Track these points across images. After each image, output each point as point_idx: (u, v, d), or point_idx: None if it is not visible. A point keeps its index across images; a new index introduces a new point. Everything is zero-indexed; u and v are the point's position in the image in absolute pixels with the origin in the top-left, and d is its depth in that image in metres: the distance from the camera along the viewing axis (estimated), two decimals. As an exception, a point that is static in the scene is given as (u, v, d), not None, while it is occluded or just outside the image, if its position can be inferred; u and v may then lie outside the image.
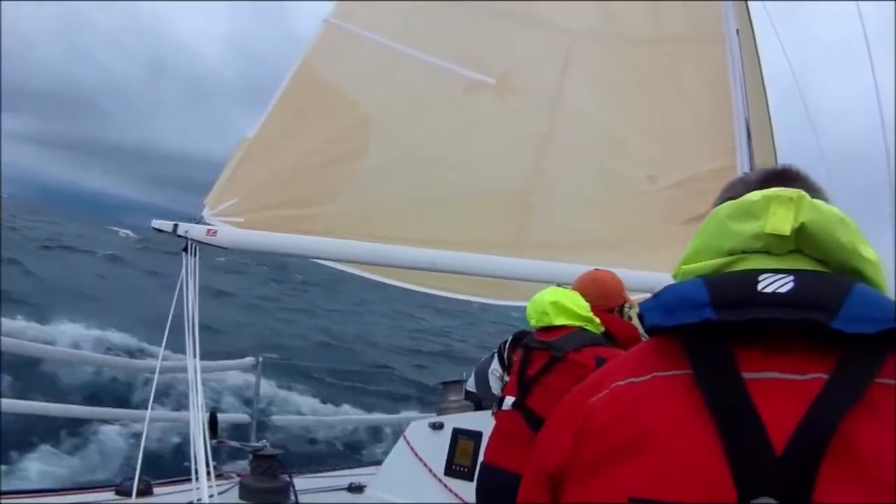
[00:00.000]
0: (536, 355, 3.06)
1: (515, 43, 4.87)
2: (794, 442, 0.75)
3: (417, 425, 4.42)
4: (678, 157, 4.46)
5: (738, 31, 4.67)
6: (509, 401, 3.07)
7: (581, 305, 3.12)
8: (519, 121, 4.69)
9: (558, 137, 4.59)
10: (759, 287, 0.86)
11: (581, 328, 3.05)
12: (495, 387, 3.86)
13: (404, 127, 4.76)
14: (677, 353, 0.88)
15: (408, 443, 4.32)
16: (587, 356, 2.89)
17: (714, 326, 0.85)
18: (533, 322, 3.17)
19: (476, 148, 4.66)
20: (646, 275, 3.89)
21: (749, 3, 5.30)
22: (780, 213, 0.91)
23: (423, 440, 4.26)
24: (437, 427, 4.26)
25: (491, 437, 3.17)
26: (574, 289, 3.28)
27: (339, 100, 4.77)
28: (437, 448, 4.15)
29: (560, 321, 3.06)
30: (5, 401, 5.39)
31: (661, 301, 0.93)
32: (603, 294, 3.30)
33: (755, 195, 0.95)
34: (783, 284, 0.86)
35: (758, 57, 5.30)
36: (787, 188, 0.94)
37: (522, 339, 3.25)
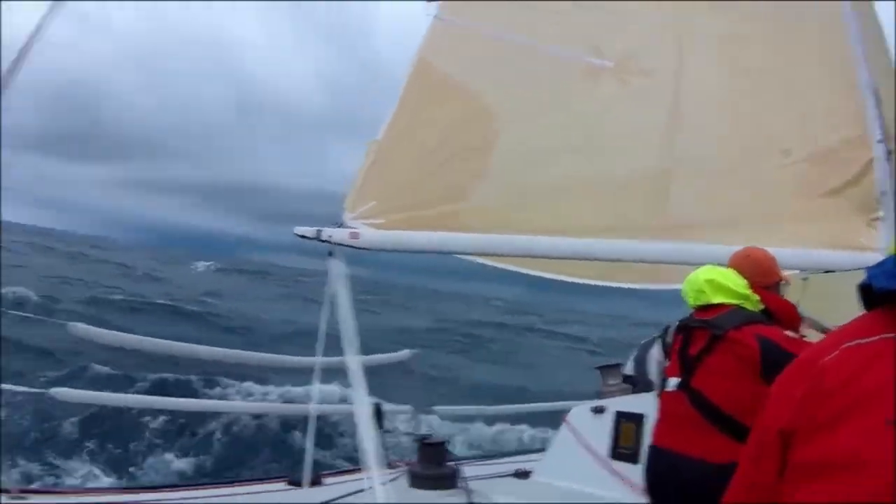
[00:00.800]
0: (697, 334, 3.08)
1: (630, 24, 4.83)
2: None
3: (579, 410, 4.50)
4: (808, 129, 4.40)
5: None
6: (673, 382, 3.11)
7: (738, 283, 3.13)
8: (644, 102, 4.67)
9: (686, 116, 4.56)
10: None
11: (738, 306, 3.07)
12: (653, 371, 3.88)
13: (529, 116, 4.79)
14: None
15: (571, 428, 4.39)
16: (748, 334, 2.91)
17: None
18: (690, 301, 3.19)
19: (603, 133, 4.68)
20: (795, 252, 3.91)
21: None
22: None
23: (585, 424, 4.34)
24: (599, 411, 4.31)
25: (658, 420, 3.22)
26: (729, 267, 3.28)
27: (461, 94, 4.83)
28: (599, 432, 4.23)
29: (717, 299, 3.08)
30: (155, 398, 5.79)
31: (885, 268, 1.05)
32: (759, 271, 3.29)
33: None
34: None
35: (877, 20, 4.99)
36: None
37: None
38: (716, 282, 3.11)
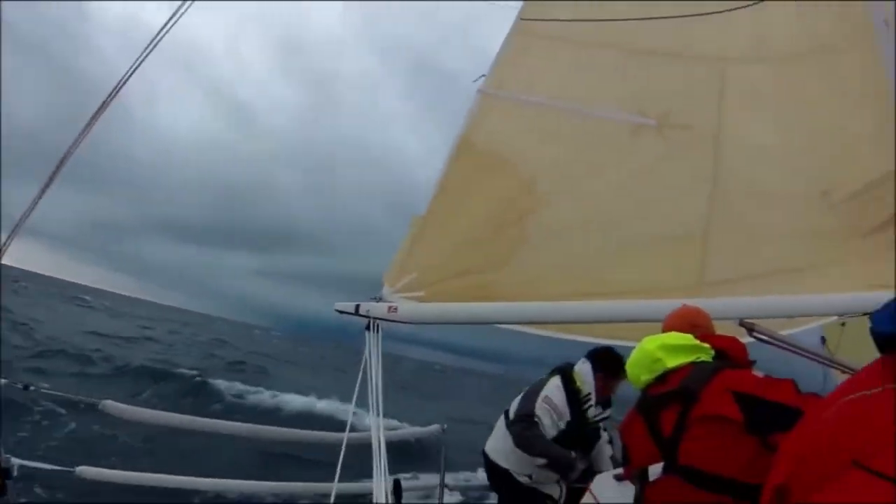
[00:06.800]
0: (664, 412, 2.80)
1: (669, 81, 4.82)
2: None
3: (602, 478, 4.36)
4: (849, 167, 4.27)
5: (886, 21, 4.42)
6: (655, 469, 2.80)
7: (688, 337, 2.96)
8: (685, 158, 4.62)
9: (727, 168, 4.49)
10: None
11: (696, 362, 2.86)
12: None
13: (572, 182, 4.80)
14: None
15: (593, 496, 4.26)
16: (720, 392, 2.65)
17: None
18: (644, 377, 2.95)
19: (645, 193, 4.64)
20: (830, 297, 3.81)
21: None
22: None
23: (608, 492, 4.16)
24: (622, 478, 4.17)
25: None
26: (665, 331, 3.14)
27: (503, 166, 4.85)
28: (622, 499, 4.03)
29: (675, 362, 2.87)
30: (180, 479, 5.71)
31: (890, 310, 1.01)
32: (695, 324, 3.19)
33: None
34: None
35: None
36: None
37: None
38: (668, 344, 2.93)
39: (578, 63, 5.04)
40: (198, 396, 20.18)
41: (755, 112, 4.65)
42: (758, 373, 2.83)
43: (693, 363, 2.86)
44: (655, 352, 2.93)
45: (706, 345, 2.96)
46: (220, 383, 22.55)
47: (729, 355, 2.99)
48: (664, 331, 3.16)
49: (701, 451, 2.65)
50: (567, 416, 4.87)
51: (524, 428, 4.90)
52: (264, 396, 22.23)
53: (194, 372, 23.83)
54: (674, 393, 2.79)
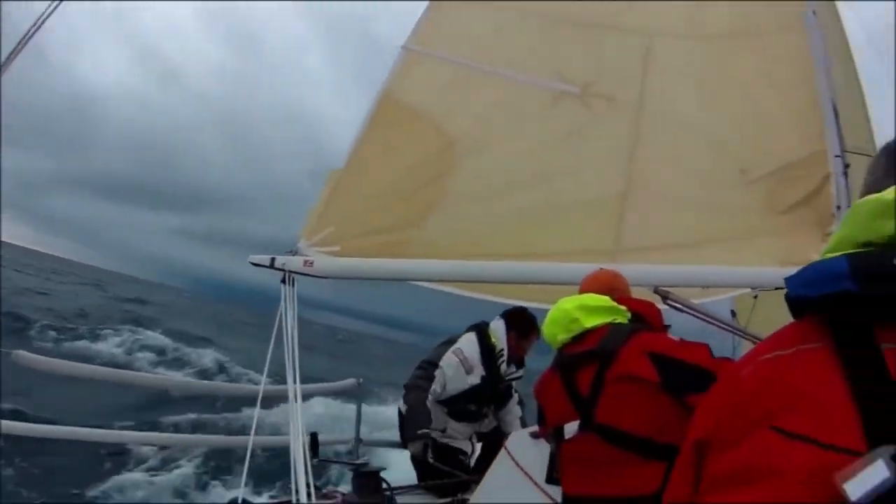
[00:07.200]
0: (581, 371, 2.83)
1: (596, 50, 4.82)
2: None
3: (518, 435, 4.38)
4: (769, 147, 4.32)
5: (814, 11, 4.53)
6: (572, 427, 2.83)
7: (604, 299, 2.97)
8: (607, 127, 4.63)
9: (647, 140, 4.52)
10: None
11: (613, 323, 2.88)
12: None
13: (492, 144, 4.77)
14: (818, 329, 0.96)
15: (509, 453, 4.29)
16: (637, 354, 2.70)
17: (853, 298, 0.90)
18: (561, 337, 2.94)
19: (566, 159, 4.62)
20: (743, 270, 3.88)
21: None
22: None
23: (523, 450, 4.20)
24: (537, 436, 4.22)
25: (565, 469, 2.93)
26: (582, 293, 3.14)
27: (424, 124, 4.80)
28: (537, 457, 4.03)
29: (592, 322, 2.87)
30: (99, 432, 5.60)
31: (804, 275, 1.00)
32: (612, 287, 3.16)
33: (891, 194, 0.97)
34: None
35: (845, 36, 5.14)
36: None
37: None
38: (586, 305, 2.93)
39: (504, 27, 5.03)
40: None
41: (680, 87, 4.68)
42: (673, 337, 2.86)
43: (610, 324, 2.87)
44: (573, 311, 2.92)
45: (623, 307, 2.97)
46: (38, 323, 21.70)
47: (645, 319, 3.01)
48: (581, 293, 3.14)
49: (618, 410, 2.69)
50: (481, 371, 4.93)
51: (419, 377, 5.13)
52: (85, 343, 21.25)
53: (25, 314, 22.82)
54: (591, 353, 2.80)
